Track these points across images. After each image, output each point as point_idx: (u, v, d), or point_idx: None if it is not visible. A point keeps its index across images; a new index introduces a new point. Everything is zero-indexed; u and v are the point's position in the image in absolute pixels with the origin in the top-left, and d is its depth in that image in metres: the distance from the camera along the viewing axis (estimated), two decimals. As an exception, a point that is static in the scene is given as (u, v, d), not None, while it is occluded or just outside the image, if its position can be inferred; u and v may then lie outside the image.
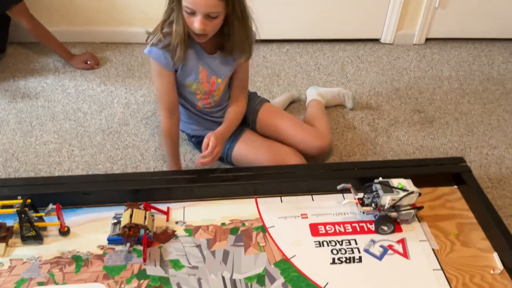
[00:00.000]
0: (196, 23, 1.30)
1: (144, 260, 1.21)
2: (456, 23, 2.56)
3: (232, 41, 1.43)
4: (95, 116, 1.95)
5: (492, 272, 1.23)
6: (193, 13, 1.29)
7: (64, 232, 1.27)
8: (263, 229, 1.32)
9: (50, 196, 1.29)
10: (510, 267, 1.23)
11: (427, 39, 2.62)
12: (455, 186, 1.48)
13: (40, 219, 1.26)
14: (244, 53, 1.48)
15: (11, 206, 1.21)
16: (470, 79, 2.32)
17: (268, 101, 1.73)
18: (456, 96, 2.19)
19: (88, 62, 2.24)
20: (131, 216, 1.23)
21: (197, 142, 1.72)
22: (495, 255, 1.27)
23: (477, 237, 1.33)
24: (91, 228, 1.30)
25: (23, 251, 1.23)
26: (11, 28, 2.23)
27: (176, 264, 1.21)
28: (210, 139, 1.41)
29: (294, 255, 1.25)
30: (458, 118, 2.04)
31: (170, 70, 1.45)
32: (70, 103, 2.01)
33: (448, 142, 1.91)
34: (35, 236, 1.24)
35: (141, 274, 1.19)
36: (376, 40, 2.61)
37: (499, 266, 1.24)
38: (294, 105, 2.07)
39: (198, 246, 1.27)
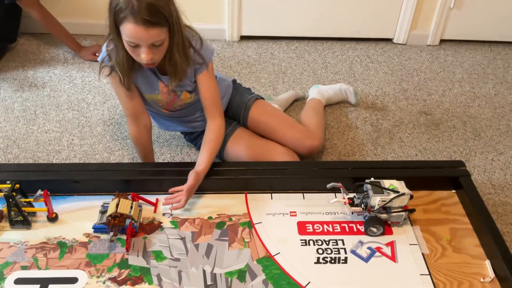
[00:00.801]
0: (142, 55, 1.23)
1: (127, 250, 1.21)
2: (472, 24, 2.49)
3: (172, 66, 1.34)
4: (98, 107, 1.97)
5: (482, 280, 1.18)
6: (137, 46, 1.23)
7: (52, 218, 1.29)
8: (250, 225, 1.31)
9: (41, 182, 1.31)
10: (501, 276, 1.18)
11: (442, 40, 2.55)
12: (453, 191, 1.44)
13: (29, 204, 1.28)
14: (184, 74, 1.38)
15: (0, 191, 1.23)
16: (483, 82, 2.25)
17: (262, 98, 1.70)
18: (466, 99, 2.13)
19: (97, 54, 2.26)
20: (117, 205, 1.24)
21: (190, 139, 1.72)
22: (487, 263, 1.22)
23: (470, 243, 1.28)
24: (79, 216, 1.31)
25: (11, 235, 1.25)
26: (23, 19, 2.28)
27: (159, 256, 1.21)
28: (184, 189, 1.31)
29: (278, 253, 1.23)
30: (466, 122, 1.98)
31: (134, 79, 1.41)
32: (76, 94, 2.04)
33: (453, 145, 1.85)
34: (23, 221, 1.26)
35: (123, 264, 1.19)
36: (389, 40, 2.56)
37: (491, 274, 1.19)
38: (297, 103, 2.04)
39: (183, 238, 1.26)
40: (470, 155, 1.81)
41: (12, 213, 1.24)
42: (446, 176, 1.45)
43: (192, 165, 1.38)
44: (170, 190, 1.35)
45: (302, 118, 1.81)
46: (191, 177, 1.31)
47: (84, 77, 2.15)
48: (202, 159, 1.37)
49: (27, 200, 1.27)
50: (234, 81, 1.71)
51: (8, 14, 2.16)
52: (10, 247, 1.22)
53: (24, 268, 1.17)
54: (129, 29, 1.19)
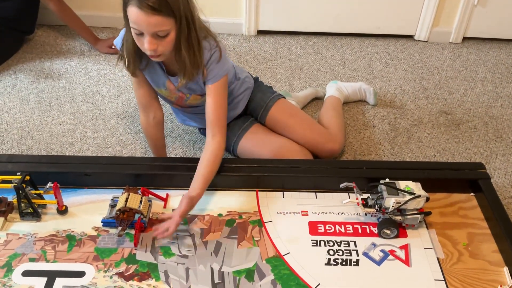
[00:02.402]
0: (145, 44, 1.20)
1: (135, 245, 1.20)
2: (497, 22, 2.41)
3: (179, 63, 1.30)
4: (113, 100, 1.97)
5: (499, 287, 1.14)
6: (141, 34, 1.20)
7: (62, 211, 1.28)
8: (260, 223, 1.28)
9: (52, 175, 1.30)
10: (520, 284, 1.13)
11: (465, 38, 2.48)
12: (472, 194, 1.39)
13: (39, 196, 1.27)
14: (191, 77, 1.33)
15: (11, 182, 1.23)
16: (506, 82, 2.18)
17: (283, 97, 1.66)
18: (489, 99, 2.06)
19: (113, 47, 2.26)
20: (127, 200, 1.23)
21: (205, 133, 1.69)
22: (506, 270, 1.18)
23: (488, 249, 1.24)
24: (89, 209, 1.31)
25: (21, 227, 1.25)
26: (41, 11, 2.28)
27: (167, 252, 1.20)
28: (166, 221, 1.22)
29: (288, 252, 1.21)
30: (488, 122, 1.92)
31: (142, 70, 1.39)
32: (91, 86, 2.04)
33: (473, 147, 1.79)
34: (33, 213, 1.25)
35: (131, 259, 1.18)
36: (410, 37, 2.50)
37: (508, 282, 1.15)
38: (317, 101, 2.00)
39: (192, 235, 1.25)
40: (491, 157, 1.75)
41: (22, 204, 1.24)
42: (465, 178, 1.40)
43: (203, 161, 1.36)
44: (159, 217, 1.27)
45: (323, 118, 1.76)
46: (184, 202, 1.22)
47: (99, 70, 2.15)
48: (197, 184, 1.27)
49: (38, 192, 1.27)
50: (256, 79, 1.67)
51: (25, 6, 2.17)
52: (19, 238, 1.22)
53: (32, 260, 1.17)
54: (131, 13, 1.17)
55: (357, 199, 1.26)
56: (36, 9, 2.25)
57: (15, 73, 2.10)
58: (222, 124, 1.36)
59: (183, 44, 1.25)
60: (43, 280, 1.12)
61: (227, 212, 1.31)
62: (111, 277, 1.14)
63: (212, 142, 1.34)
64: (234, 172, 1.38)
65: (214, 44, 1.33)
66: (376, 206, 1.25)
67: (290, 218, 1.30)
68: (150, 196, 1.33)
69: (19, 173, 1.23)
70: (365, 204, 1.27)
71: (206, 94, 1.37)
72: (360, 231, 1.27)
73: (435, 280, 1.15)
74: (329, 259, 1.19)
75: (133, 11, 1.16)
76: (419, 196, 1.22)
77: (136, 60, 1.33)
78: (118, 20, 2.45)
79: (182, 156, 1.70)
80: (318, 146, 1.58)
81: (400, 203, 1.21)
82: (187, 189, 1.34)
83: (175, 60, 1.31)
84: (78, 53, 2.26)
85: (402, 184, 1.25)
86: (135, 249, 1.20)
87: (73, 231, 1.25)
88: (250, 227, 1.27)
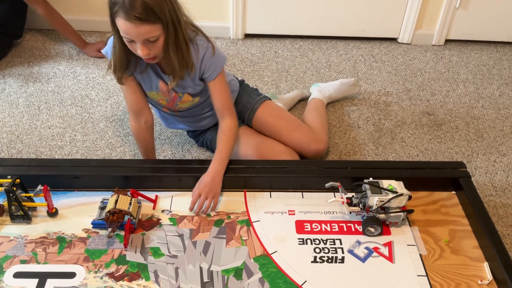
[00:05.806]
0: (138, 50, 1.24)
1: (125, 246, 1.22)
2: (478, 24, 2.47)
3: (168, 65, 1.34)
4: (102, 103, 1.98)
5: (480, 282, 1.18)
6: (132, 41, 1.23)
7: (52, 213, 1.30)
8: (248, 223, 1.31)
9: (42, 178, 1.32)
10: (499, 279, 1.18)
11: (447, 40, 2.54)
12: (453, 192, 1.44)
13: (29, 199, 1.29)
14: (182, 76, 1.37)
15: (1, 185, 1.24)
16: (488, 83, 2.24)
17: (269, 99, 1.69)
18: (470, 100, 2.11)
19: (101, 51, 2.28)
20: (116, 201, 1.25)
21: (193, 136, 1.72)
22: (486, 265, 1.22)
23: (469, 245, 1.28)
24: (79, 211, 1.32)
25: (11, 229, 1.26)
26: (29, 15, 2.29)
27: (156, 252, 1.22)
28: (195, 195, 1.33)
29: (275, 251, 1.24)
30: (469, 123, 1.97)
31: (131, 75, 1.42)
32: (79, 90, 2.05)
33: (455, 146, 1.84)
34: (23, 215, 1.27)
35: (121, 259, 1.20)
36: (394, 40, 2.55)
37: (488, 276, 1.19)
38: (303, 102, 2.04)
39: (181, 235, 1.27)
40: (472, 156, 1.80)
41: (12, 207, 1.25)
42: (447, 177, 1.44)
43: (192, 162, 1.38)
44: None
45: (305, 120, 1.80)
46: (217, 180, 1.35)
47: (88, 74, 2.16)
48: (213, 163, 1.38)
49: (28, 195, 1.28)
50: (242, 82, 1.70)
51: (14, 10, 2.18)
52: (10, 241, 1.23)
53: (23, 262, 1.18)
54: (120, 24, 1.20)
55: (342, 198, 1.29)
56: (24, 13, 2.26)
57: (3, 78, 2.10)
58: (229, 107, 1.47)
59: (171, 47, 1.28)
60: (35, 281, 1.14)
61: (216, 212, 1.34)
62: (101, 278, 1.16)
63: (222, 124, 1.45)
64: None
65: (205, 40, 1.37)
66: (361, 205, 1.29)
67: (278, 218, 1.33)
68: (139, 197, 1.35)
69: (9, 176, 1.25)
70: (349, 203, 1.30)
71: (209, 88, 1.43)
72: (345, 229, 1.30)
73: (417, 275, 1.19)
74: (315, 257, 1.22)
75: (122, 23, 1.19)
76: (401, 195, 1.25)
77: (124, 67, 1.36)
78: (106, 24, 2.44)
79: (171, 158, 1.72)
80: (304, 147, 1.61)
81: (383, 201, 1.25)
82: (176, 190, 1.37)
83: (164, 62, 1.34)
84: (66, 57, 2.27)
85: (385, 183, 1.28)
86: (125, 250, 1.22)
87: (63, 233, 1.26)
88: (238, 227, 1.30)
